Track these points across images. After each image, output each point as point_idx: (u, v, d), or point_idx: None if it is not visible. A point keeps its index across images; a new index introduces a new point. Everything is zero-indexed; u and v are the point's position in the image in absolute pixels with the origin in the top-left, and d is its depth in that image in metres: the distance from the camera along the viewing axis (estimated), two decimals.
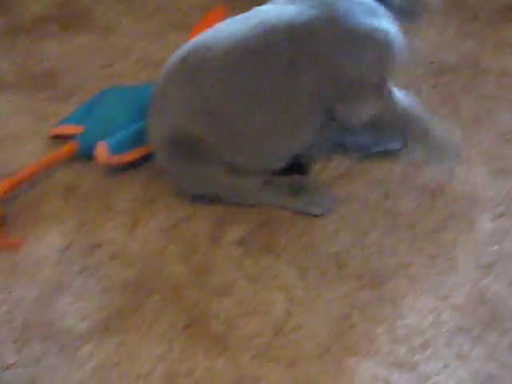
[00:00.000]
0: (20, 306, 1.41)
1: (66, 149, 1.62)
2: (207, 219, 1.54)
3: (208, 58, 1.47)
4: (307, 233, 1.50)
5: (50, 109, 1.80)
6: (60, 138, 1.71)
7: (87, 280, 1.44)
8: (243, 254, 1.47)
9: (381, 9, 1.52)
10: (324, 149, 1.65)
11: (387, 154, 1.63)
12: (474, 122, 1.72)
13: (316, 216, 1.53)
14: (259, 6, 1.55)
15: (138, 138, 1.60)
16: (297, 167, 1.60)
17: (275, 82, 1.47)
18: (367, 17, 1.48)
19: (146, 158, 1.62)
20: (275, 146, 1.51)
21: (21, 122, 1.78)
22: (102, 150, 1.58)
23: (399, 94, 1.56)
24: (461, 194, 1.56)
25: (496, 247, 1.45)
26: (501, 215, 1.51)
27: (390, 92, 1.53)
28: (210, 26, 1.75)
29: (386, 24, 1.50)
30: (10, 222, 1.55)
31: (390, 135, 1.61)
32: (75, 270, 1.46)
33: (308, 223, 1.52)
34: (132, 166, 1.62)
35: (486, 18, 2.00)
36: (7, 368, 1.31)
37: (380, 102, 1.52)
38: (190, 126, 1.47)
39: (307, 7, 1.47)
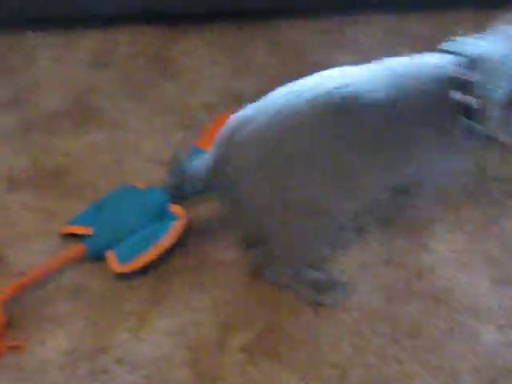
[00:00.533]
0: None
1: (74, 251, 1.65)
2: (213, 324, 1.55)
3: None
4: (310, 340, 1.52)
5: (59, 206, 1.83)
6: (69, 237, 1.73)
7: None
8: (247, 361, 1.49)
9: None
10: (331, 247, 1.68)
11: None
12: (478, 229, 1.74)
13: (327, 306, 1.58)
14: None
15: (147, 242, 1.63)
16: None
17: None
18: None
19: (154, 260, 1.65)
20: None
21: (30, 220, 1.80)
22: (112, 260, 1.62)
23: None
24: (464, 303, 1.58)
25: (499, 361, 1.46)
26: (504, 327, 1.53)
27: None
28: (219, 129, 1.80)
29: None
30: (16, 324, 1.56)
31: None
32: (81, 374, 1.47)
33: (311, 330, 1.54)
34: (141, 267, 1.64)
35: None
36: None
37: None
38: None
39: None
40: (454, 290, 1.61)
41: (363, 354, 1.49)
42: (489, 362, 1.46)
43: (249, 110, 1.56)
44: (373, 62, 1.61)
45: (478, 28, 2.27)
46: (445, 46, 1.64)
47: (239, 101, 2.12)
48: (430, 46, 2.35)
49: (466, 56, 1.57)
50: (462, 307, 1.57)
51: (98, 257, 1.66)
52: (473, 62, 1.55)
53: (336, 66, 2.25)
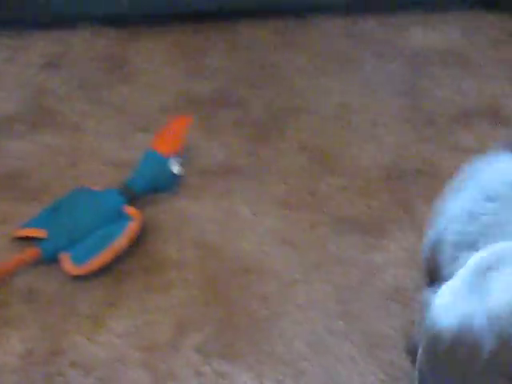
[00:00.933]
0: None
1: (28, 254, 1.64)
2: (167, 325, 1.56)
3: None
4: (265, 339, 1.53)
5: (14, 209, 1.82)
6: (23, 240, 1.73)
7: None
8: (201, 361, 1.49)
9: None
10: None
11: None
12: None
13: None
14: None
15: (102, 244, 1.63)
16: None
17: None
18: None
19: (109, 262, 1.65)
20: None
21: None
22: (67, 263, 1.62)
23: None
24: (416, 299, 1.59)
25: None
26: None
27: None
28: (175, 132, 1.81)
29: None
30: None
31: None
32: (36, 377, 1.46)
33: (266, 329, 1.55)
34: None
35: (441, 123, 2.07)
36: None
37: None
38: None
39: None
40: (406, 286, 1.62)
41: (317, 353, 1.50)
42: None
43: None
44: None
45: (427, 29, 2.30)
46: None
47: (194, 103, 2.15)
48: (383, 49, 2.40)
49: None
50: (415, 304, 1.59)
51: (52, 259, 1.65)
52: None
53: (293, 69, 2.29)
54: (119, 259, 1.67)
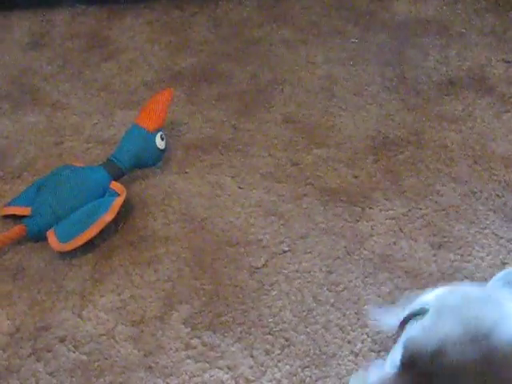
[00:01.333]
0: None
1: (14, 231, 1.64)
2: (155, 299, 1.56)
3: None
4: (253, 310, 1.53)
5: None
6: (9, 218, 1.72)
7: (36, 364, 1.45)
8: (190, 334, 1.49)
9: None
10: None
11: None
12: (415, 195, 1.76)
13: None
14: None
15: (88, 220, 1.63)
16: None
17: None
18: None
19: (95, 238, 1.64)
20: None
21: None
22: (52, 240, 1.61)
23: None
24: (403, 267, 1.60)
25: None
26: None
27: None
28: (157, 106, 1.80)
29: None
30: None
31: None
32: (24, 353, 1.47)
33: (254, 300, 1.55)
34: (81, 245, 1.64)
35: (426, 92, 2.07)
36: None
37: None
38: None
39: None
40: (393, 256, 1.62)
41: (306, 323, 1.50)
42: None
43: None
44: None
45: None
46: None
47: (178, 78, 2.14)
48: (368, 21, 2.38)
49: None
50: (402, 272, 1.59)
51: (38, 236, 1.65)
52: None
53: (277, 43, 2.28)
54: (106, 235, 1.67)
